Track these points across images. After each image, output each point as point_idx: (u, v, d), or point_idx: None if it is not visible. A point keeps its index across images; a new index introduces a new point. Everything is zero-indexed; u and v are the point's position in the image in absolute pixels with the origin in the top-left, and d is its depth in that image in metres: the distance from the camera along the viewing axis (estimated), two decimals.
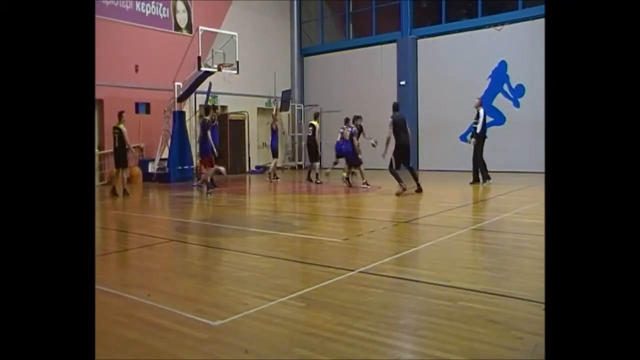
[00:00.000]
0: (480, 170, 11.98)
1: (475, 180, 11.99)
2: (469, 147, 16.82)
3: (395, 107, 11.10)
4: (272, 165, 14.22)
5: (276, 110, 15.30)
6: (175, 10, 16.33)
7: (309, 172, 13.84)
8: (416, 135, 18.05)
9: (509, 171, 13.03)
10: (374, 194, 11.22)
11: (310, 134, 13.50)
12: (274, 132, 14.08)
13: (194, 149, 15.83)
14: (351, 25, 20.80)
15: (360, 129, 12.36)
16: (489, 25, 16.62)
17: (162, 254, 5.53)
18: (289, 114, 19.88)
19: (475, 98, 12.59)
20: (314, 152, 13.46)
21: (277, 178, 14.10)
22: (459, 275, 4.19)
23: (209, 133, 10.80)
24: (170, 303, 3.55)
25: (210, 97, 15.46)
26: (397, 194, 10.26)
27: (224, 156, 14.02)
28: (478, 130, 11.83)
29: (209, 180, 10.80)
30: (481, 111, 11.91)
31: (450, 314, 3.22)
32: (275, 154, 14.22)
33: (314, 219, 7.93)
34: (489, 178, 11.94)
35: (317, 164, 13.50)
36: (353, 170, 12.30)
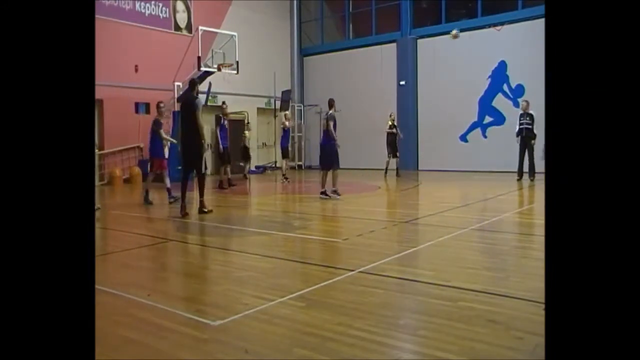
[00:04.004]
0: (520, 167, 12.71)
1: (521, 176, 12.64)
2: (468, 147, 16.97)
3: (191, 85, 7.84)
4: (283, 165, 14.41)
5: (287, 115, 15.50)
6: (175, 10, 16.32)
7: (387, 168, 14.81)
8: (416, 135, 18.09)
9: (509, 171, 13.05)
10: (374, 194, 11.22)
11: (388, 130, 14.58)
12: (286, 133, 14.42)
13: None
14: (351, 25, 20.80)
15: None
16: (489, 26, 16.63)
17: (162, 254, 5.53)
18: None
19: (522, 101, 13.31)
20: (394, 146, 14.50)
21: (287, 179, 14.04)
22: (459, 275, 4.19)
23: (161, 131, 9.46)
24: (170, 303, 3.55)
25: (210, 97, 15.46)
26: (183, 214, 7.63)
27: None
28: (536, 130, 12.51)
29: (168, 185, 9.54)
30: (533, 112, 12.57)
31: (450, 314, 3.22)
32: (286, 154, 14.42)
33: (314, 219, 7.93)
34: (528, 177, 12.65)
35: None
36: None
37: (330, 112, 9.65)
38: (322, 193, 9.47)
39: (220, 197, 10.85)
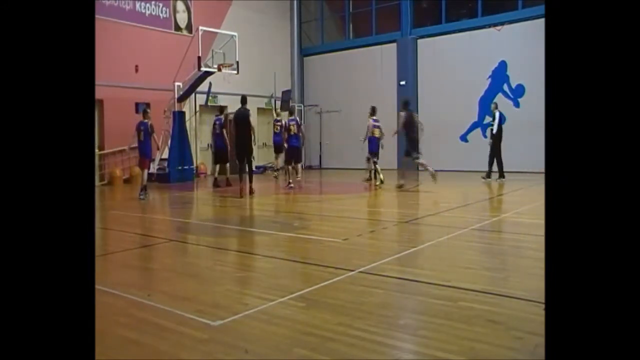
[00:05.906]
0: (499, 168, 13.00)
1: (488, 176, 13.01)
2: (469, 147, 16.98)
3: (242, 101, 10.50)
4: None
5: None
6: (175, 10, 16.33)
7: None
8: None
9: (508, 171, 13.05)
10: (374, 194, 11.22)
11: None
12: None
13: (194, 148, 15.86)
14: (351, 25, 20.80)
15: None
16: (489, 25, 16.62)
17: (162, 254, 5.53)
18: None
19: (492, 103, 13.85)
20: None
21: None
22: (459, 275, 4.19)
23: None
24: (170, 303, 3.55)
25: (210, 98, 15.46)
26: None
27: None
28: (494, 131, 12.89)
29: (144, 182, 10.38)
30: (497, 114, 12.99)
31: (450, 314, 3.22)
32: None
33: (314, 219, 7.92)
34: (503, 177, 12.91)
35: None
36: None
37: (300, 120, 12.19)
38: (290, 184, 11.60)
39: (220, 198, 10.84)
